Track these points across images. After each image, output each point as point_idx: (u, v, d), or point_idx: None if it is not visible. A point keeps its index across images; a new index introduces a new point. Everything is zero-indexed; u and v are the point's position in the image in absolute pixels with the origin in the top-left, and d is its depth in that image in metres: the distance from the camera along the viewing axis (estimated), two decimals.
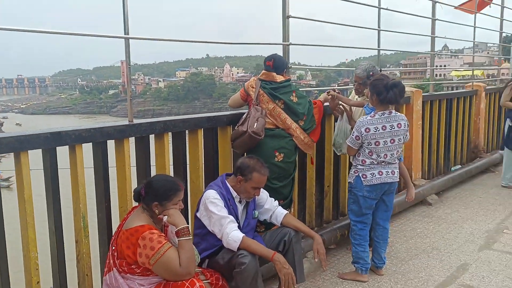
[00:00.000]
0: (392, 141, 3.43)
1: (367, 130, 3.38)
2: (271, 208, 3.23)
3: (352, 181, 3.58)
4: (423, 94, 6.06)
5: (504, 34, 8.82)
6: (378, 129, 3.38)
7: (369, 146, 3.43)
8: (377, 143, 3.40)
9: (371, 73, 3.78)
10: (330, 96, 3.93)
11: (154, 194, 2.56)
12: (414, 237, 4.62)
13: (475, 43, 8.03)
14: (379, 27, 5.43)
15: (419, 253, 4.20)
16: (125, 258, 2.48)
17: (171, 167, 3.24)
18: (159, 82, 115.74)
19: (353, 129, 3.52)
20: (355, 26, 5.67)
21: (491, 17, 8.32)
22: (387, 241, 3.78)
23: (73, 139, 2.59)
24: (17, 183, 2.56)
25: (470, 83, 7.65)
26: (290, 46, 4.11)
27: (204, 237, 3.03)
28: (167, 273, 2.47)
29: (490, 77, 17.94)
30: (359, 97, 4.00)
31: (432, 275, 3.75)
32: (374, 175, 3.46)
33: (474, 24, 7.66)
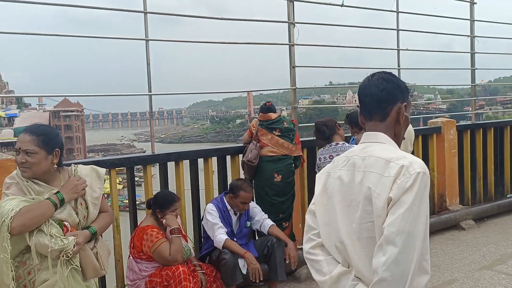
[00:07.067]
0: None
1: (320, 159, 4.18)
2: (260, 220, 4.14)
3: None
4: (462, 123, 6.36)
5: None
6: (326, 158, 4.10)
7: None
8: None
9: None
10: None
11: (157, 203, 3.67)
12: None
13: None
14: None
15: None
16: (136, 248, 3.59)
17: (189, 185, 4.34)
18: (282, 111, 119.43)
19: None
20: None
21: None
22: None
23: (108, 165, 3.82)
24: None
25: None
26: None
27: (207, 239, 4.05)
28: (161, 259, 3.52)
29: None
30: None
31: None
32: None
33: None
